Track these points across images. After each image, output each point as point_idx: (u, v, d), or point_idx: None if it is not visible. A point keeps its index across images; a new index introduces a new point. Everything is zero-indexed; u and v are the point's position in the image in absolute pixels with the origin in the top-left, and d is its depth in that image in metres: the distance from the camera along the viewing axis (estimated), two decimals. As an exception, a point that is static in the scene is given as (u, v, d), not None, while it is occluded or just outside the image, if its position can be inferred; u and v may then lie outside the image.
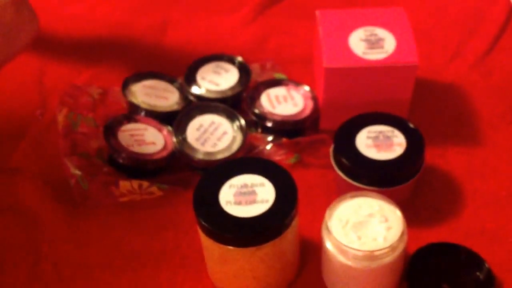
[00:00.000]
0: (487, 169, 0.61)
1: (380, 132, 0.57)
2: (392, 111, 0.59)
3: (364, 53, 0.60)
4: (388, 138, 0.56)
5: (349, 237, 0.48)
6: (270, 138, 0.62)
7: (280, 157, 0.62)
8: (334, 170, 0.57)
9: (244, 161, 0.53)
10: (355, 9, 0.66)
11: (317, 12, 0.64)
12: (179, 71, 0.68)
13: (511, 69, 0.72)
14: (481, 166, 0.62)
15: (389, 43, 0.61)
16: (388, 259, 0.48)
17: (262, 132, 0.63)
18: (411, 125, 0.57)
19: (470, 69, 0.72)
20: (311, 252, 0.55)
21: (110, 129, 0.60)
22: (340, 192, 0.57)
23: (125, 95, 0.64)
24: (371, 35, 0.61)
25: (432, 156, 0.62)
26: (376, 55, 0.60)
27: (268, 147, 0.62)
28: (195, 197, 0.48)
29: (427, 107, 0.67)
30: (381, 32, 0.62)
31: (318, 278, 0.54)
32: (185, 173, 0.60)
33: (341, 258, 0.48)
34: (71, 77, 0.71)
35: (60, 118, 0.62)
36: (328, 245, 0.49)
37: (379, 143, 0.56)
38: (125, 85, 0.65)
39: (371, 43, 0.61)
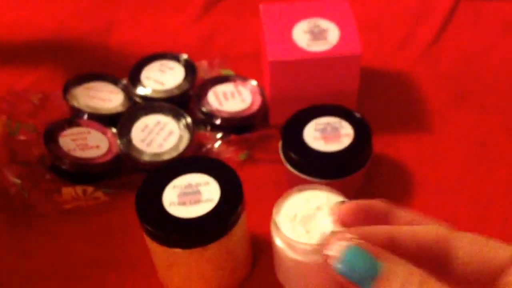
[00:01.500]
0: (437, 156, 0.61)
1: (328, 123, 0.56)
2: (340, 103, 0.58)
3: (308, 45, 0.59)
4: (335, 129, 0.56)
5: (297, 232, 0.47)
6: (219, 135, 0.61)
7: (229, 154, 0.61)
8: (284, 165, 0.56)
9: (188, 161, 0.51)
10: (299, 1, 0.65)
11: (261, 6, 0.64)
12: (125, 72, 0.66)
13: (457, 57, 0.72)
14: (431, 153, 0.62)
15: (333, 34, 0.60)
16: (337, 252, 0.47)
17: (212, 130, 0.62)
18: (358, 115, 0.57)
19: (418, 57, 0.72)
20: (264, 249, 0.54)
21: (51, 135, 0.57)
22: (291, 186, 0.56)
23: (66, 99, 0.62)
24: (315, 26, 0.61)
25: (382, 145, 0.61)
26: (319, 47, 0.59)
27: (217, 144, 0.60)
28: (137, 199, 0.47)
29: (376, 96, 0.67)
30: (324, 24, 0.61)
31: (272, 276, 0.53)
32: (132, 176, 0.58)
33: (291, 254, 0.47)
34: (12, 83, 0.68)
35: (-1, 126, 0.60)
36: (278, 241, 0.48)
37: (326, 135, 0.55)
38: (66, 88, 0.63)
39: (315, 35, 0.60)
